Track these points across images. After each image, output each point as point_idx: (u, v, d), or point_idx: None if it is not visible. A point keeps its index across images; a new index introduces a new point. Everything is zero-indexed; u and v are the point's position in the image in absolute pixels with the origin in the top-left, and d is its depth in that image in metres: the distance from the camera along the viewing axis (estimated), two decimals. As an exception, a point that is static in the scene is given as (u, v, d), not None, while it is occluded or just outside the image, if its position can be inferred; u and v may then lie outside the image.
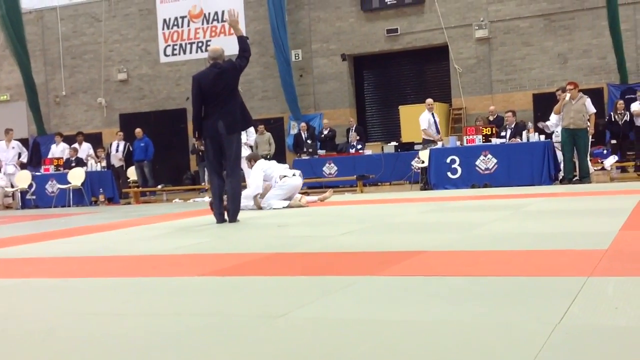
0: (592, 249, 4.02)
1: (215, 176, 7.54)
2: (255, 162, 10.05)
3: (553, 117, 12.53)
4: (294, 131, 19.82)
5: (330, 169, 16.42)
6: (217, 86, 7.31)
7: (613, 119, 14.87)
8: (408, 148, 16.02)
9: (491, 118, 15.73)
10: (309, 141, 17.80)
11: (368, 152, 16.85)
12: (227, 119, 7.33)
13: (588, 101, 12.05)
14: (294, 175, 9.98)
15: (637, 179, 12.43)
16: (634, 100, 15.07)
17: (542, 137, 12.46)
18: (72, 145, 17.03)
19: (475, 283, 3.23)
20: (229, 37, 21.21)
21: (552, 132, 12.67)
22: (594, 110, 12.30)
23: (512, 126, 13.52)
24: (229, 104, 7.36)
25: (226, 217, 7.47)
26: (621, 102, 15.25)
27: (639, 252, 3.90)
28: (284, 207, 9.42)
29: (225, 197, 7.55)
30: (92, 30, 23.11)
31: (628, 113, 14.85)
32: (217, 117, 7.31)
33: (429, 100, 14.83)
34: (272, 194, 9.67)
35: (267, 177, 9.80)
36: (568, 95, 11.95)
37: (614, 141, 14.83)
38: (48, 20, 23.74)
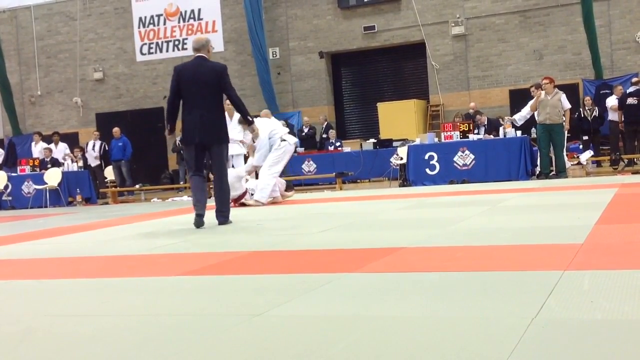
0: (568, 243, 4.06)
1: (195, 174, 7.01)
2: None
3: (524, 110, 12.60)
4: (272, 129, 19.77)
5: (309, 166, 16.41)
6: (197, 81, 6.83)
7: (582, 115, 15.02)
8: (387, 145, 16.06)
9: (471, 112, 15.85)
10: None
11: (347, 149, 16.87)
12: (214, 130, 6.89)
13: (563, 97, 12.16)
14: (294, 143, 10.24)
15: (613, 174, 12.56)
16: (609, 95, 15.23)
17: (519, 133, 12.55)
18: (47, 146, 16.86)
19: (453, 278, 3.25)
20: (205, 35, 21.14)
21: (519, 125, 12.76)
22: (569, 106, 12.42)
23: (485, 124, 13.66)
24: (212, 108, 6.88)
25: (216, 219, 6.97)
26: (588, 98, 15.40)
27: (614, 245, 3.95)
28: (268, 201, 9.54)
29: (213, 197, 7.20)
30: (67, 29, 22.89)
31: (597, 109, 15.00)
32: (202, 125, 6.81)
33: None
34: (268, 164, 9.63)
35: (271, 140, 9.76)
36: (543, 93, 12.05)
37: (585, 137, 14.97)
38: (22, 19, 23.47)
